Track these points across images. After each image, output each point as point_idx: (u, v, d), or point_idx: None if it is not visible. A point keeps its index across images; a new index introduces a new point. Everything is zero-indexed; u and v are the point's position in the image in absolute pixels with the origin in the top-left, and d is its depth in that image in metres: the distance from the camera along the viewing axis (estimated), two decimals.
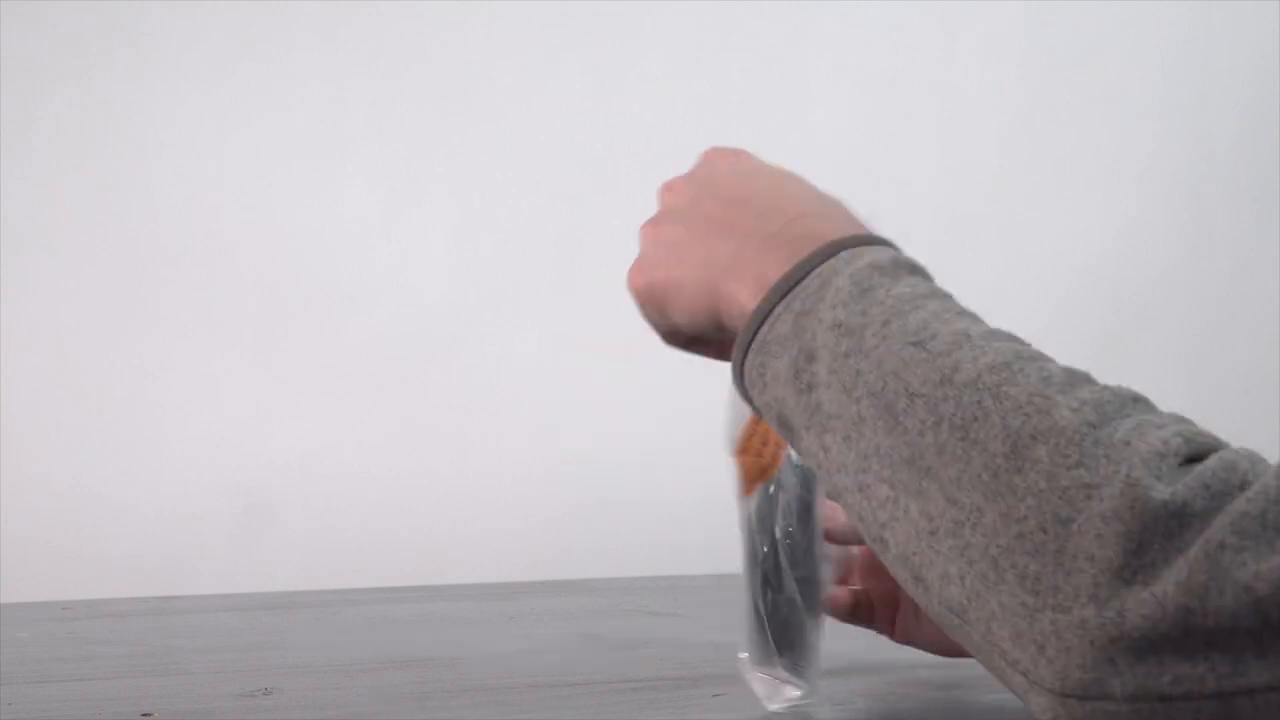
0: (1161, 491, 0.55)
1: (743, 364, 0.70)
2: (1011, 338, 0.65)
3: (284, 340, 1.60)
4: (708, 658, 1.10)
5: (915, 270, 0.70)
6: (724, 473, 1.65)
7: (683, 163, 1.87)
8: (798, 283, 0.69)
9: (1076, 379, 0.61)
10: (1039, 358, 0.62)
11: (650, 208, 1.86)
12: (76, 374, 1.53)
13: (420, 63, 1.64)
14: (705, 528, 1.69)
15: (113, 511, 1.53)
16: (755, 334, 0.69)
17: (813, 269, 0.70)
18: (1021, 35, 1.89)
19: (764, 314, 0.69)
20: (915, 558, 0.60)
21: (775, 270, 0.71)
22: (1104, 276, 1.95)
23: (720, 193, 0.81)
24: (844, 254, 0.70)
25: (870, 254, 0.70)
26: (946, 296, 0.68)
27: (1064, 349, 2.11)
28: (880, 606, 0.94)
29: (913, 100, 1.85)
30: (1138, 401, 0.60)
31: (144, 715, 0.97)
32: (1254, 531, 0.53)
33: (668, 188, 0.84)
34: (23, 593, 1.39)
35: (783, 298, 0.69)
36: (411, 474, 1.63)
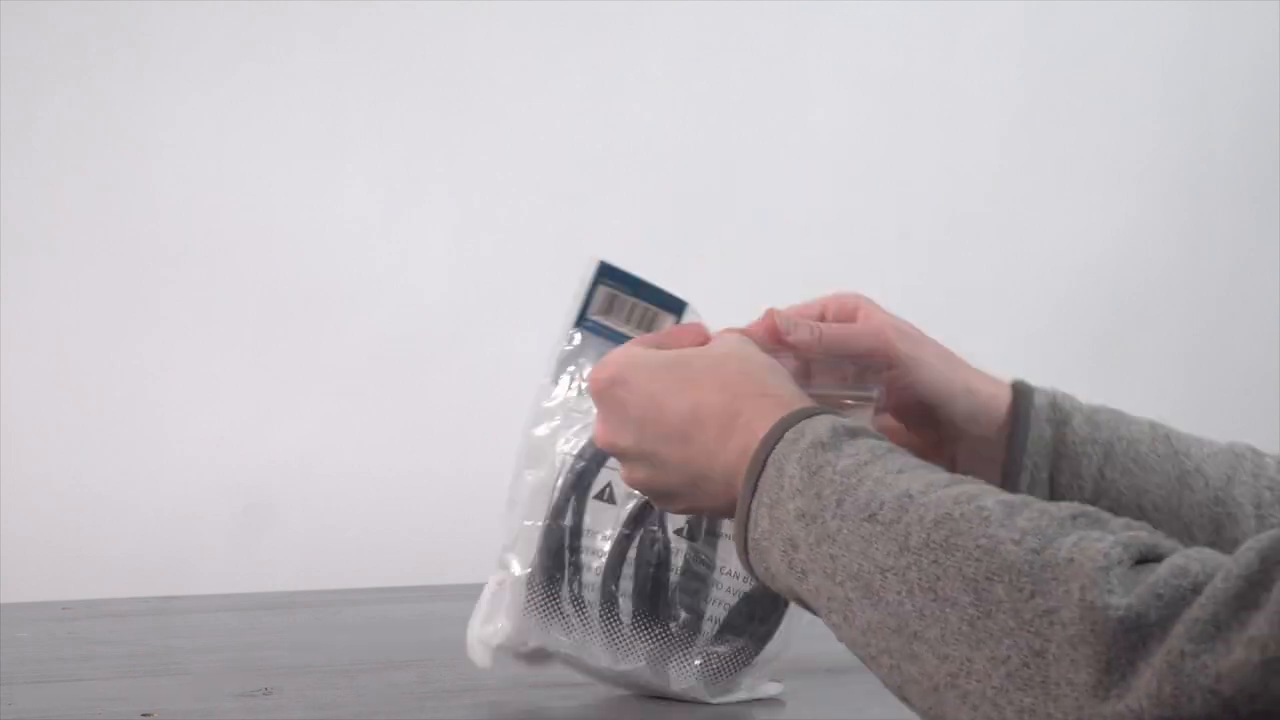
0: (1117, 605, 0.58)
1: (749, 566, 0.76)
2: (950, 480, 0.69)
3: (284, 340, 1.60)
4: None
5: (855, 434, 0.75)
6: None
7: (682, 162, 1.87)
8: (759, 476, 0.75)
9: (1014, 509, 0.65)
10: (978, 495, 0.67)
11: (649, 208, 1.86)
12: (76, 374, 1.53)
13: (420, 63, 1.63)
14: None
15: (113, 511, 1.53)
16: (746, 539, 0.75)
17: (766, 458, 0.75)
18: (1021, 35, 1.89)
19: (745, 516, 0.75)
20: (933, 711, 0.66)
21: (737, 477, 0.77)
22: (1104, 276, 1.95)
23: (660, 450, 0.83)
24: (788, 435, 0.75)
25: (811, 430, 0.75)
26: (886, 455, 0.73)
27: (1064, 349, 2.12)
28: None
29: (913, 100, 1.85)
30: (1077, 518, 0.63)
31: (144, 715, 0.97)
32: (1209, 635, 0.56)
33: (594, 387, 0.86)
34: (23, 593, 1.39)
35: (753, 495, 0.75)
36: (411, 474, 1.63)
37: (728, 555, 0.99)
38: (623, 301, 0.96)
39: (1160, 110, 1.96)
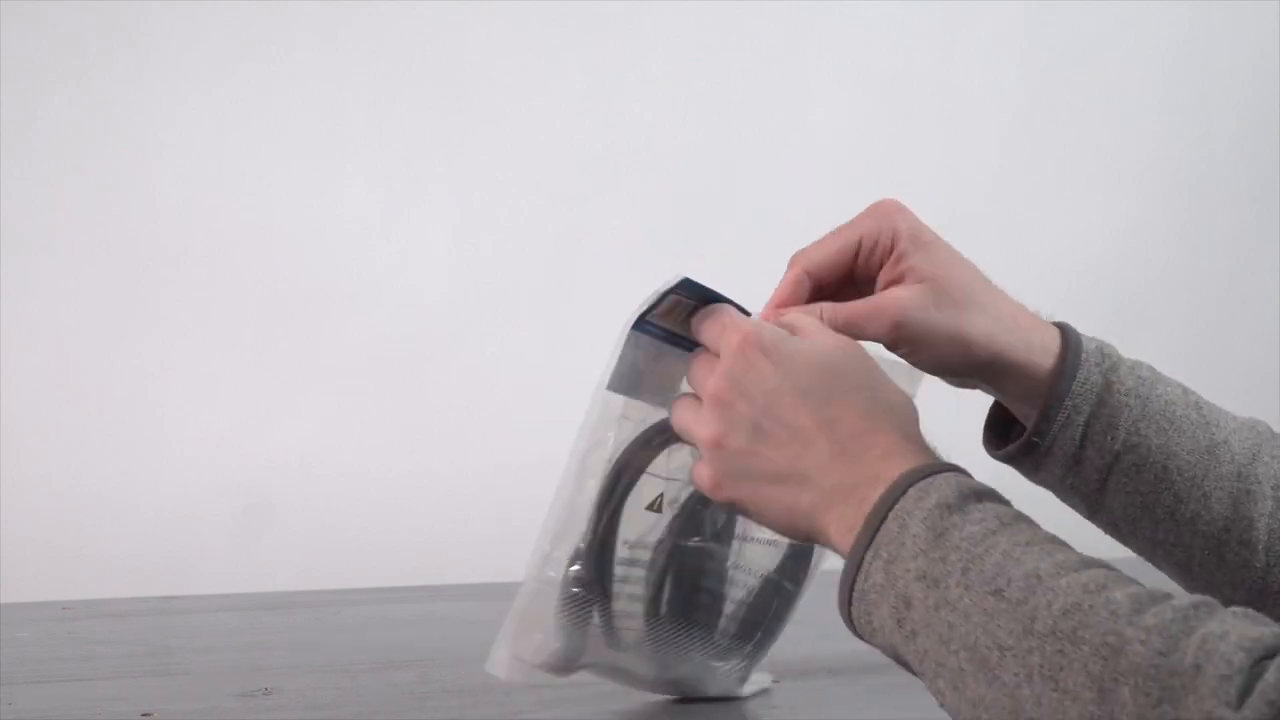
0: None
1: (849, 612, 0.74)
2: (1079, 564, 0.68)
3: (284, 340, 1.60)
4: None
5: (981, 497, 0.74)
6: None
7: (682, 162, 1.87)
8: (878, 529, 0.73)
9: (1142, 603, 0.64)
10: (1108, 585, 0.66)
11: (649, 208, 1.86)
12: (76, 374, 1.53)
13: (420, 63, 1.64)
14: None
15: (113, 511, 1.53)
16: (853, 586, 0.73)
17: (888, 511, 0.73)
18: (1021, 35, 1.89)
19: (855, 565, 0.73)
20: None
21: (854, 513, 0.75)
22: (1104, 276, 1.95)
23: (777, 432, 0.81)
24: (912, 492, 0.74)
25: (936, 490, 0.73)
26: (1014, 523, 0.72)
27: None
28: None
29: (913, 100, 1.85)
30: (1198, 608, 0.63)
31: (144, 715, 0.97)
32: None
33: (718, 395, 0.83)
34: (23, 593, 1.39)
35: (868, 547, 0.73)
36: (411, 474, 1.63)
37: (738, 552, 0.99)
38: (685, 306, 0.95)
39: (1160, 110, 1.96)
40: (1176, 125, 1.97)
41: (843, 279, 0.93)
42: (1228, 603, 0.77)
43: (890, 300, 0.90)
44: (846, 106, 1.81)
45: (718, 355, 0.84)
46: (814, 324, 0.86)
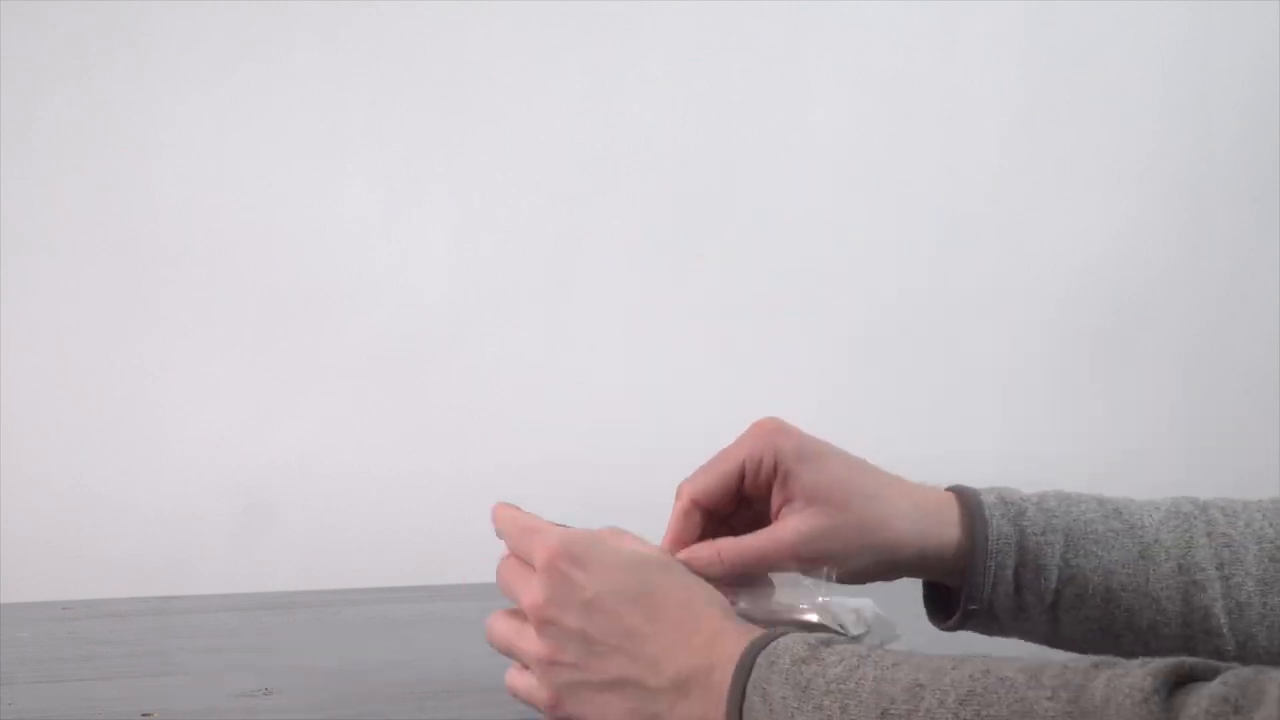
0: None
1: None
2: (957, 662, 0.68)
3: (284, 340, 1.60)
4: None
5: (829, 643, 0.74)
6: None
7: (682, 162, 1.87)
8: (741, 706, 0.73)
9: (1036, 672, 0.64)
10: (992, 669, 0.66)
11: (649, 208, 1.86)
12: (76, 374, 1.53)
13: (420, 63, 1.63)
14: None
15: (113, 511, 1.53)
16: None
17: (745, 686, 0.73)
18: (1021, 35, 1.89)
19: None
20: None
21: (707, 702, 0.75)
22: (1104, 276, 1.94)
23: (606, 639, 0.81)
24: (761, 659, 0.74)
25: (784, 650, 0.74)
26: (871, 654, 0.72)
27: (1064, 349, 2.12)
28: None
29: (913, 100, 1.84)
30: (1099, 665, 0.63)
31: (144, 715, 0.97)
32: None
33: (544, 611, 0.84)
34: (23, 593, 1.39)
35: None
36: (411, 474, 1.63)
37: None
38: None
39: (1160, 110, 1.96)
40: (1177, 125, 1.97)
41: (734, 500, 0.93)
42: None
43: (786, 532, 0.90)
44: (846, 106, 1.81)
45: (531, 566, 0.85)
46: (618, 533, 0.88)
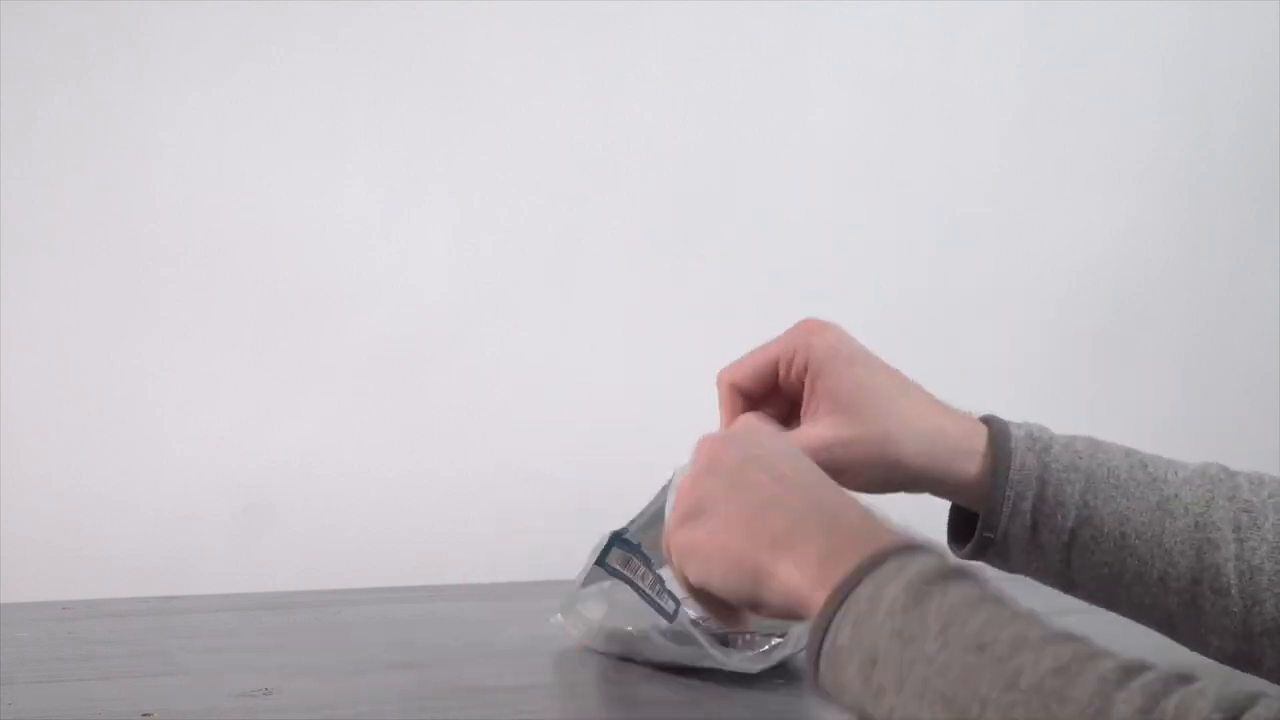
0: None
1: (816, 674, 0.73)
2: (1068, 636, 0.67)
3: (284, 340, 1.60)
4: None
5: (963, 576, 0.72)
6: None
7: (682, 162, 1.87)
8: (853, 589, 0.72)
9: (1130, 673, 0.64)
10: (1096, 655, 0.65)
11: (649, 208, 1.86)
12: (76, 374, 1.53)
13: (420, 63, 1.63)
14: None
15: (113, 511, 1.53)
16: (821, 647, 0.72)
17: (865, 575, 0.72)
18: (1021, 35, 1.89)
19: (825, 624, 0.72)
20: None
21: (831, 563, 0.74)
22: (1104, 276, 1.95)
23: (767, 466, 0.83)
24: (892, 561, 0.73)
25: (918, 562, 0.72)
26: (998, 601, 0.70)
27: (1064, 349, 2.12)
28: None
29: (913, 100, 1.84)
30: (1183, 679, 0.63)
31: (144, 715, 0.97)
32: None
33: (708, 445, 0.87)
34: (23, 593, 1.39)
35: (840, 606, 0.72)
36: (411, 474, 1.63)
37: None
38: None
39: (1160, 110, 1.96)
40: (1177, 125, 1.97)
41: (770, 392, 0.97)
42: (1217, 652, 0.78)
43: (804, 438, 0.92)
44: (846, 106, 1.81)
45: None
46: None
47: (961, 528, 0.97)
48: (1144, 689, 0.62)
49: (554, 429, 1.69)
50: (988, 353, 1.87)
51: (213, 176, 1.57)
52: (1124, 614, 0.94)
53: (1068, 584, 0.94)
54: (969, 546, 0.95)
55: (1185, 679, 0.64)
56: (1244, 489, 0.92)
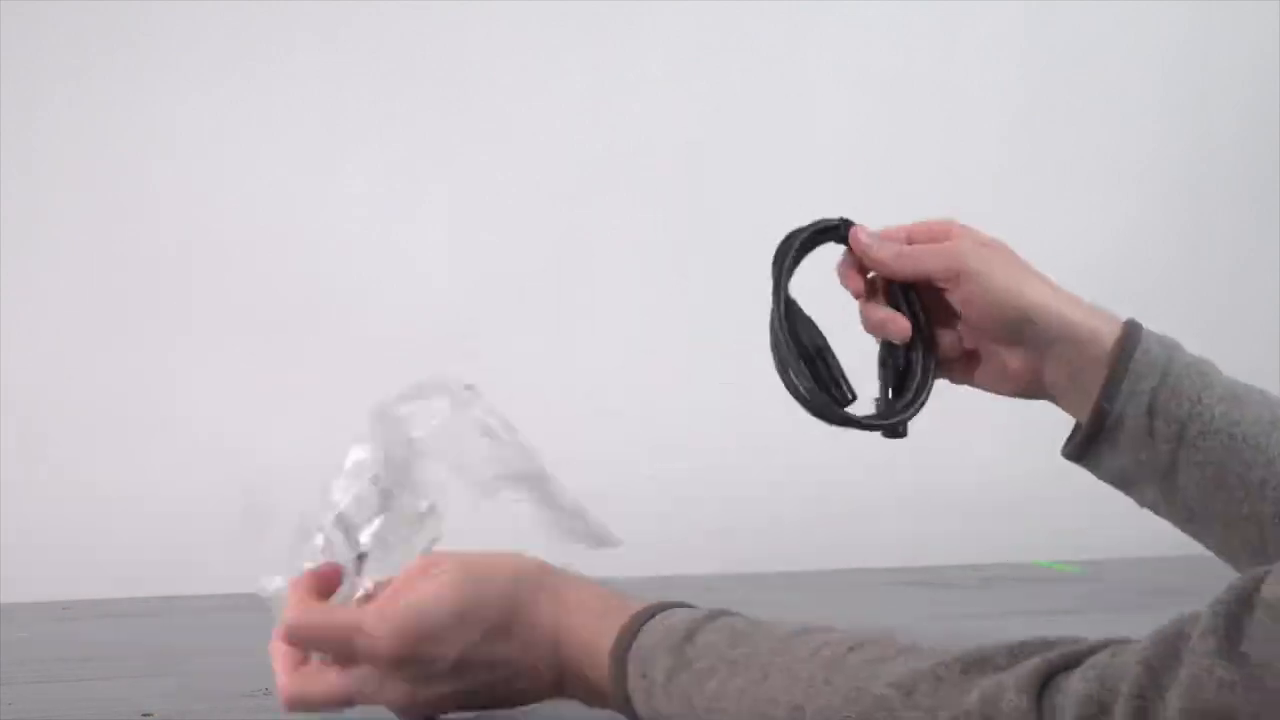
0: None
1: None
2: (829, 673, 0.70)
3: (284, 340, 1.60)
4: None
5: (681, 650, 0.77)
6: (724, 473, 1.65)
7: (682, 162, 1.86)
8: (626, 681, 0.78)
9: (909, 688, 0.66)
10: (866, 685, 0.68)
11: (649, 208, 1.86)
12: (77, 374, 1.53)
13: (420, 63, 1.63)
14: (706, 528, 1.69)
15: (113, 511, 1.53)
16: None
17: (626, 659, 0.78)
18: (1022, 35, 1.89)
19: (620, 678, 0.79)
20: None
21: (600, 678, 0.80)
22: (1104, 276, 1.94)
23: (478, 686, 0.85)
24: (629, 658, 0.79)
25: (642, 649, 0.79)
26: (736, 660, 0.74)
27: None
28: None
29: (913, 100, 1.84)
30: (968, 670, 0.65)
31: (144, 715, 0.97)
32: None
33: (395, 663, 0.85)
34: (23, 593, 1.38)
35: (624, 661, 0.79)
36: None
37: None
38: None
39: (1161, 110, 1.96)
40: (1177, 125, 1.97)
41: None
42: None
43: (952, 250, 1.04)
44: (846, 106, 1.81)
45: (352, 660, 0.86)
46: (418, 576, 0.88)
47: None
48: (941, 704, 0.64)
49: (554, 429, 1.69)
50: None
51: (213, 176, 1.57)
52: (1215, 531, 0.95)
53: (1169, 488, 0.95)
54: (1083, 428, 0.97)
55: (969, 669, 0.64)
56: None
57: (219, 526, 1.57)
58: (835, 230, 1.07)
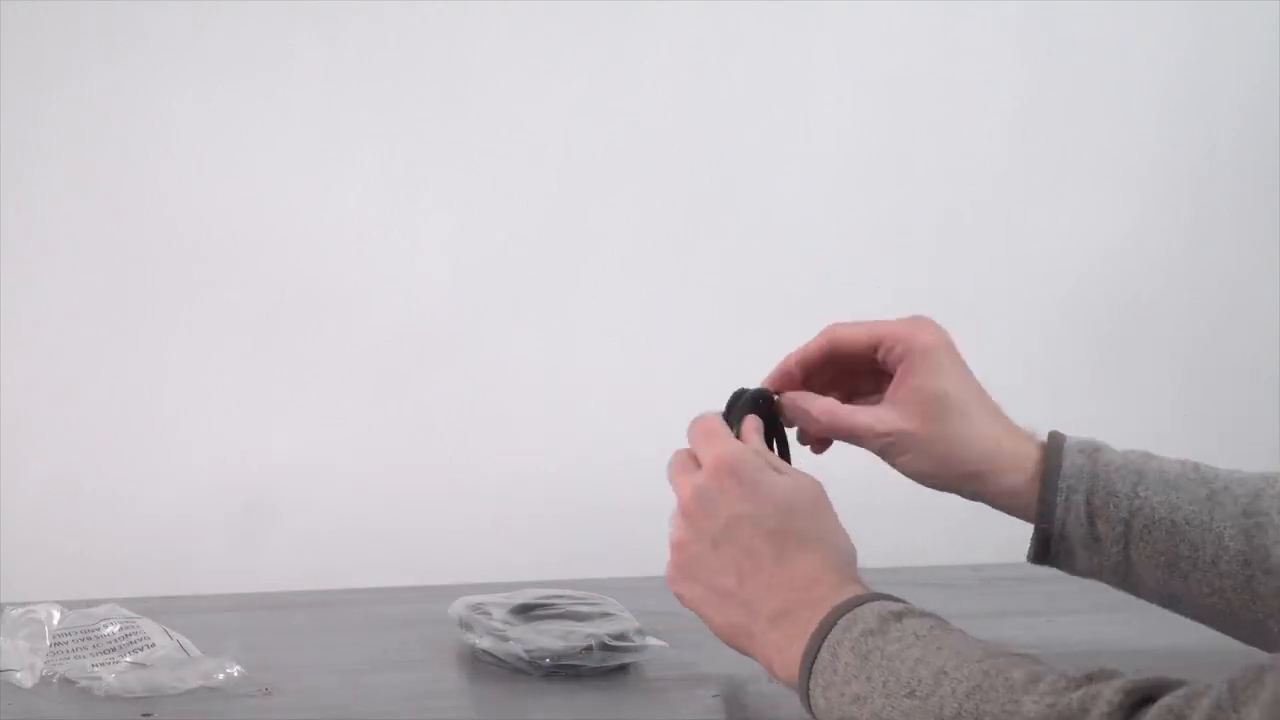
0: None
1: None
2: (985, 654, 0.79)
3: (284, 340, 1.60)
4: (709, 656, 1.10)
5: (901, 617, 0.85)
6: None
7: (682, 162, 1.86)
8: (815, 657, 0.86)
9: (1037, 677, 0.74)
10: (1006, 667, 0.76)
11: (649, 209, 1.86)
12: (77, 374, 1.53)
13: (420, 63, 1.63)
14: None
15: (113, 511, 1.53)
16: (811, 710, 0.86)
17: (822, 642, 0.86)
18: (1023, 35, 1.89)
19: (805, 694, 0.87)
20: None
21: (788, 642, 0.88)
22: (1106, 277, 1.94)
23: (740, 539, 0.93)
24: (841, 622, 0.86)
25: (862, 618, 0.85)
26: (929, 634, 0.82)
27: (1066, 348, 2.12)
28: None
29: (914, 100, 1.84)
30: (1092, 676, 0.73)
31: (144, 715, 0.97)
32: None
33: (691, 488, 0.96)
34: (23, 593, 1.38)
35: (810, 676, 0.86)
36: (412, 474, 1.63)
37: None
38: None
39: (1163, 110, 1.96)
40: (1180, 125, 1.97)
41: (868, 365, 1.07)
42: None
43: (877, 420, 1.03)
44: (846, 106, 1.81)
45: (698, 463, 0.97)
46: (783, 465, 0.99)
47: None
48: (1052, 689, 0.72)
49: (554, 429, 1.69)
50: (989, 353, 1.85)
51: (213, 177, 1.57)
52: (1188, 613, 0.99)
53: (1131, 580, 0.99)
54: (1031, 545, 1.02)
55: (1099, 676, 0.72)
56: None
57: (219, 526, 1.57)
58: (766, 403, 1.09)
